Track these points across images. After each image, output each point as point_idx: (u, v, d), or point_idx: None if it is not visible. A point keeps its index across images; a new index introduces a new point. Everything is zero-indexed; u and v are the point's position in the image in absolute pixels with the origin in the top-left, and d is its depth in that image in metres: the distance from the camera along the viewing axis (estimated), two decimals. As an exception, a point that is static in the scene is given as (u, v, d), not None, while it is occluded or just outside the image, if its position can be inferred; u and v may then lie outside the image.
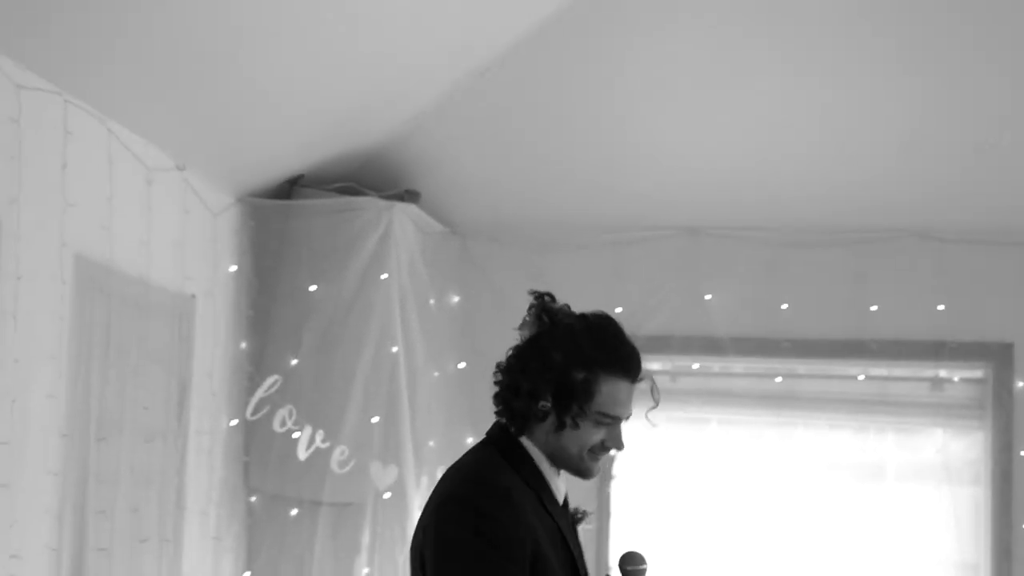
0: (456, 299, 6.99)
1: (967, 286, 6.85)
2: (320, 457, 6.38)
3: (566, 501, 3.50)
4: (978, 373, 6.96)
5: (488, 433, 3.49)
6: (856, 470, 7.05)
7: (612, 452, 3.46)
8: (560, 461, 3.40)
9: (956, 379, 6.97)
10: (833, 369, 7.11)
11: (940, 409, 6.98)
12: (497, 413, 3.46)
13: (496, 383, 3.46)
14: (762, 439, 7.12)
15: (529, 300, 3.49)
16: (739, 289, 7.02)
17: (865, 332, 6.91)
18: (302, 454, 6.32)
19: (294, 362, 6.55)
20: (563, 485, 3.47)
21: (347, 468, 6.42)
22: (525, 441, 3.40)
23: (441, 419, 6.71)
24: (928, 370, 6.96)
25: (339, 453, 6.38)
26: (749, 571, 7.00)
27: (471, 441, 6.61)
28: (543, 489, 3.37)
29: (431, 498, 3.36)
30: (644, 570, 3.45)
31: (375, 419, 6.54)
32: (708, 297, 7.00)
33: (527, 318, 3.46)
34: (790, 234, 6.97)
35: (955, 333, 6.85)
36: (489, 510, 3.20)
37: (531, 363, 3.38)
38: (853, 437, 7.09)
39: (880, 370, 7.06)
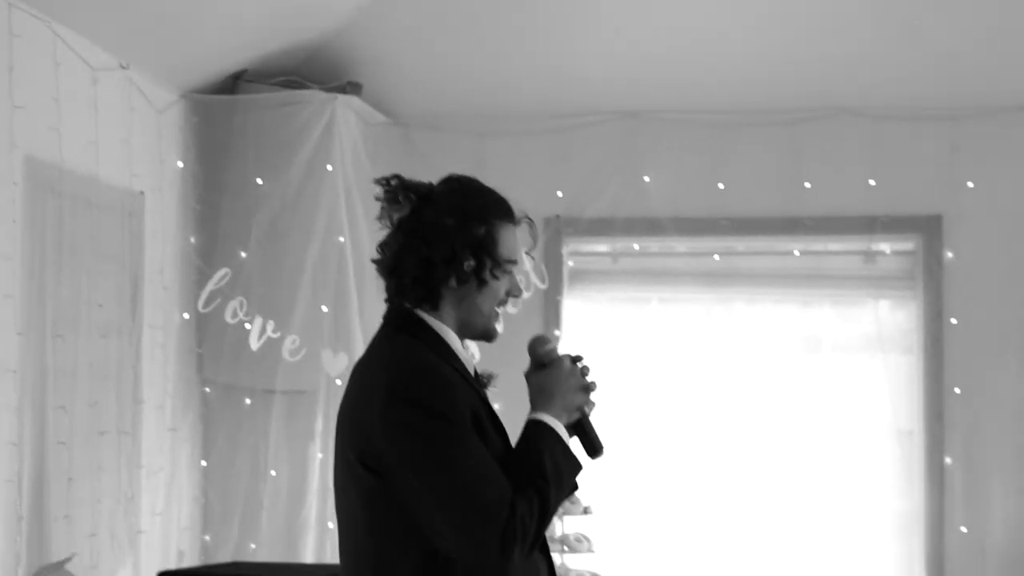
0: (400, 188, 7.04)
1: (897, 161, 6.98)
2: (272, 347, 6.46)
3: (476, 373, 3.49)
4: (909, 245, 7.11)
5: (387, 319, 3.44)
6: (794, 343, 7.19)
7: (511, 303, 3.48)
8: (470, 327, 3.39)
9: (888, 251, 7.12)
10: (770, 246, 7.23)
11: (873, 281, 7.13)
12: (400, 297, 3.39)
13: (390, 269, 3.40)
14: (702, 315, 7.26)
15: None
16: (678, 170, 7.12)
17: (800, 209, 7.03)
18: (254, 344, 6.39)
19: (243, 254, 6.63)
20: (472, 357, 3.46)
21: (298, 357, 6.49)
22: (429, 318, 3.37)
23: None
24: (861, 244, 7.10)
25: (290, 342, 6.46)
26: (689, 441, 7.14)
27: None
28: (457, 362, 3.35)
29: (360, 396, 3.33)
30: (553, 349, 3.44)
31: (324, 308, 6.65)
32: (647, 179, 7.10)
33: (385, 204, 3.41)
34: (726, 115, 7.06)
35: (886, 207, 6.99)
36: (427, 394, 3.19)
37: (430, 235, 3.34)
38: (790, 311, 7.23)
39: (815, 245, 7.19)
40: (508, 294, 3.42)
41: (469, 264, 3.34)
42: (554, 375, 3.39)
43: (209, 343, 6.72)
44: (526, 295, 3.59)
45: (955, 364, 6.95)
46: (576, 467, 3.32)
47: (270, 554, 6.67)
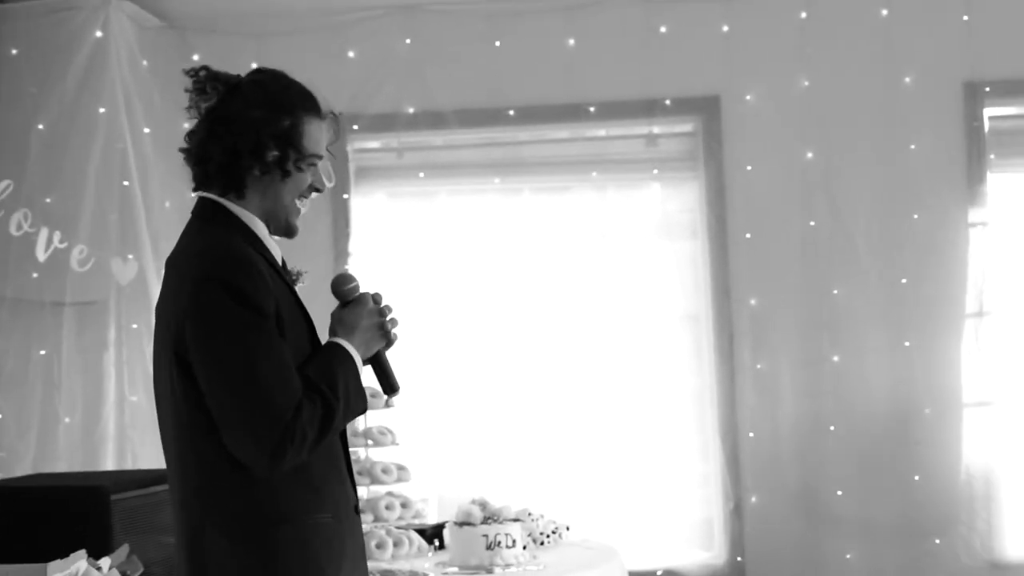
0: (181, 92, 6.99)
1: (673, 44, 7.09)
2: (59, 257, 6.39)
3: (284, 264, 3.56)
4: (688, 127, 7.25)
5: (196, 212, 3.49)
6: (582, 229, 7.28)
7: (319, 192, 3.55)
8: (273, 219, 3.46)
9: (669, 134, 7.24)
10: (554, 133, 7.31)
11: (656, 163, 7.24)
12: (206, 185, 3.45)
13: (198, 158, 3.44)
14: (490, 206, 7.32)
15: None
16: (458, 62, 7.15)
17: (581, 95, 7.12)
18: (41, 256, 6.32)
19: (25, 164, 6.54)
20: (278, 251, 3.52)
21: (87, 266, 6.44)
22: (235, 208, 3.43)
23: (175, 210, 6.78)
24: (643, 128, 7.21)
25: (78, 252, 6.40)
26: (485, 333, 7.22)
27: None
28: (268, 254, 3.42)
29: (172, 286, 3.36)
30: (356, 287, 3.54)
31: (112, 216, 6.59)
32: (428, 72, 7.13)
33: (194, 95, 3.45)
34: (502, 5, 7.11)
35: (665, 91, 7.11)
36: (240, 282, 3.24)
37: (235, 126, 3.40)
38: (577, 197, 7.33)
39: (598, 131, 7.29)
40: (311, 188, 3.51)
41: (272, 154, 3.40)
42: (357, 311, 3.48)
43: (-6, 257, 6.63)
44: (330, 185, 3.61)
45: (738, 242, 7.12)
46: (364, 398, 3.42)
47: (69, 467, 6.63)
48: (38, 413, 6.71)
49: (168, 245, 6.73)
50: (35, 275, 6.53)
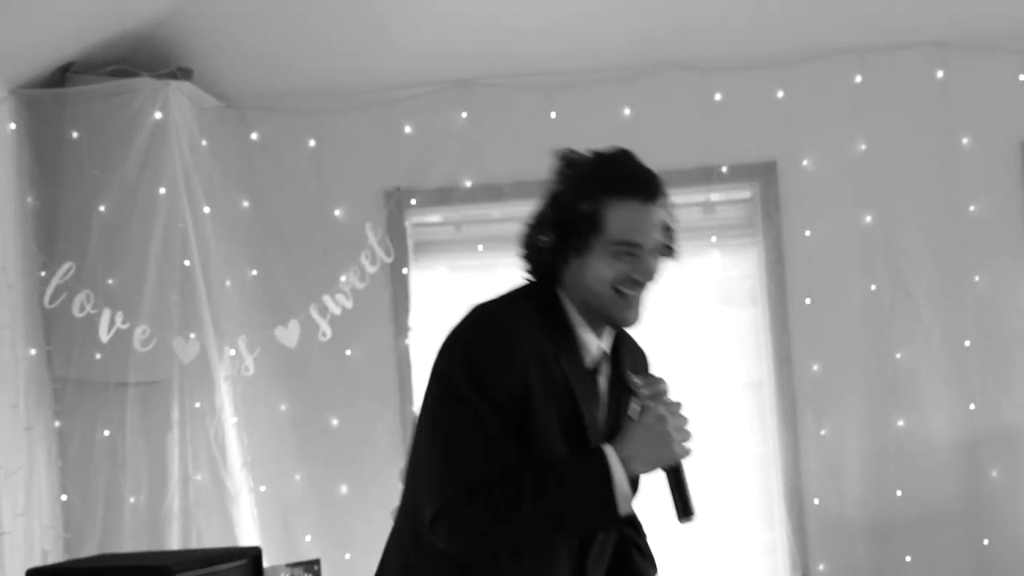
0: (239, 170, 7.05)
1: (729, 111, 7.10)
2: (122, 338, 6.43)
3: (600, 366, 3.37)
4: (746, 193, 7.24)
5: (527, 282, 3.38)
6: (641, 297, 7.26)
7: (643, 284, 3.31)
8: (593, 308, 3.28)
9: (727, 201, 7.23)
10: (612, 204, 7.29)
11: (714, 231, 7.24)
12: (528, 270, 3.38)
13: (523, 244, 3.38)
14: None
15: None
16: (514, 135, 7.17)
17: (638, 164, 7.12)
18: (104, 337, 6.36)
19: (87, 246, 6.58)
20: (596, 347, 3.35)
21: (150, 346, 6.47)
22: (562, 295, 3.29)
23: (235, 288, 6.81)
24: (700, 195, 7.20)
25: (140, 332, 6.43)
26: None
27: (268, 310, 6.74)
28: (566, 344, 3.27)
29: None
30: (657, 392, 3.26)
31: (173, 296, 6.62)
32: (484, 146, 7.15)
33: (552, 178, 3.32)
34: (557, 76, 7.13)
35: (721, 157, 7.10)
36: (484, 359, 3.12)
37: (545, 211, 3.31)
38: (635, 266, 7.31)
39: (655, 199, 7.27)
40: (630, 280, 3.28)
41: (546, 241, 3.29)
42: (642, 420, 3.23)
43: (57, 338, 6.65)
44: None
45: (799, 308, 7.09)
46: (594, 512, 3.17)
47: (135, 547, 6.64)
48: (103, 494, 6.72)
49: (229, 324, 6.84)
50: (98, 356, 6.56)
